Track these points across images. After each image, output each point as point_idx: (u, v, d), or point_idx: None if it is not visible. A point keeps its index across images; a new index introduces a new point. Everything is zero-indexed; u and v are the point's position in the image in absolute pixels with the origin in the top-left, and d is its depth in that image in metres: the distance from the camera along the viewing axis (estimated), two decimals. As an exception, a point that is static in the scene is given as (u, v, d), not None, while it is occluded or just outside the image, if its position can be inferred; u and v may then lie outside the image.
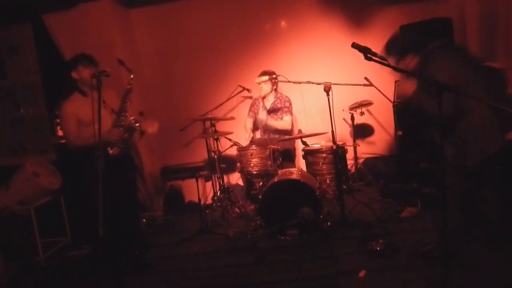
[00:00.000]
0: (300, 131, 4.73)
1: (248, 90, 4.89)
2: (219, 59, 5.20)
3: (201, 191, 4.71)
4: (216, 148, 4.24)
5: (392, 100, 4.37)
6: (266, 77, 4.11)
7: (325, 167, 3.95)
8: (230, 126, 4.89)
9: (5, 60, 4.70)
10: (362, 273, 2.78)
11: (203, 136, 4.76)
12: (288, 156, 4.46)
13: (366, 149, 5.13)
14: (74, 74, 3.13)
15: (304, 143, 4.16)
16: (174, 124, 4.94)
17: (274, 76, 4.20)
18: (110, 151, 3.09)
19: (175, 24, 5.20)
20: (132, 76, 3.23)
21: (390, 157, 4.94)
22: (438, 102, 2.05)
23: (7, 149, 4.82)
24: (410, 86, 2.64)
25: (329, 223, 3.65)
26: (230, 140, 4.36)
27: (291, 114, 4.60)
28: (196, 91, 5.25)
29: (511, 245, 2.79)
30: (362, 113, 4.68)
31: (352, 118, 4.77)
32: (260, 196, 3.69)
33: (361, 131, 5.08)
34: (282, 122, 4.52)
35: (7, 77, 4.71)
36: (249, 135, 4.64)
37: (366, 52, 2.21)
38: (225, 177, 4.84)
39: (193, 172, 4.84)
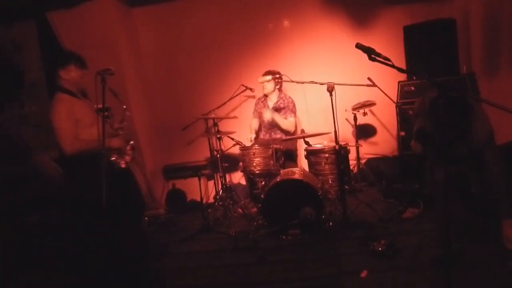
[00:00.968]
0: (302, 131, 4.73)
1: (251, 89, 4.90)
2: (222, 58, 5.20)
3: (203, 190, 4.72)
4: (218, 147, 4.24)
5: (395, 100, 4.37)
6: (269, 77, 4.11)
7: (327, 167, 3.95)
8: (232, 125, 4.90)
9: (10, 57, 4.70)
10: (364, 274, 2.78)
11: (205, 135, 4.77)
12: (290, 156, 4.46)
13: (369, 149, 5.12)
14: (62, 73, 2.98)
15: (306, 143, 4.16)
16: (177, 123, 4.95)
17: (278, 76, 4.20)
18: (123, 165, 3.08)
19: (178, 23, 5.20)
20: (125, 107, 3.23)
21: (392, 158, 4.94)
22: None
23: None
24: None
25: (331, 223, 3.65)
26: (232, 139, 4.36)
27: (295, 115, 4.60)
28: (199, 90, 5.25)
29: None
30: (365, 114, 4.67)
31: (355, 119, 4.77)
32: (262, 196, 3.69)
33: (364, 132, 5.08)
34: (286, 122, 4.52)
35: (11, 75, 4.73)
36: (252, 136, 4.63)
37: (370, 53, 2.21)
38: (227, 176, 4.84)
39: (195, 171, 4.86)
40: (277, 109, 4.59)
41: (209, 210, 4.33)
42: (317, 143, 4.28)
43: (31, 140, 4.77)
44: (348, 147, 4.19)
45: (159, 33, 5.26)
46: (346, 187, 3.96)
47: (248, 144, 4.36)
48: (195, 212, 4.64)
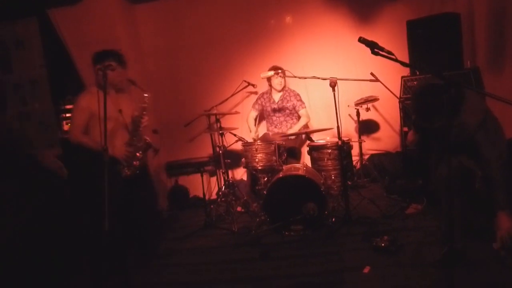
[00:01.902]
0: (306, 126, 4.71)
1: (253, 85, 4.88)
2: (224, 55, 5.19)
3: (206, 186, 4.73)
4: (221, 143, 4.24)
5: (398, 96, 4.34)
6: (271, 72, 4.09)
7: (330, 163, 3.94)
8: (235, 121, 4.89)
9: (12, 54, 4.71)
10: (366, 269, 2.77)
11: (208, 131, 4.77)
12: (293, 152, 4.45)
13: (372, 145, 5.10)
14: (99, 68, 3.03)
15: (309, 139, 4.14)
16: (179, 119, 4.95)
17: (280, 71, 4.18)
18: (128, 172, 3.08)
19: (180, 19, 5.19)
20: (147, 95, 3.16)
21: (395, 154, 4.91)
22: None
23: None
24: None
25: (333, 219, 3.64)
26: (235, 135, 4.35)
27: (305, 107, 4.61)
28: (201, 87, 5.24)
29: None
30: (367, 109, 4.65)
31: (358, 114, 4.75)
32: (264, 192, 3.69)
33: (367, 127, 5.06)
34: (303, 120, 4.55)
35: (14, 72, 4.72)
36: (255, 132, 4.61)
37: (374, 47, 2.18)
38: (230, 172, 4.85)
39: (198, 167, 4.86)
40: (281, 108, 4.59)
41: (212, 206, 4.33)
42: (319, 139, 4.27)
43: (34, 137, 4.78)
44: (350, 143, 4.18)
45: (161, 29, 5.25)
46: (349, 183, 3.95)
47: (250, 140, 4.35)
48: (197, 208, 4.65)
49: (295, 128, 4.53)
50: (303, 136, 4.58)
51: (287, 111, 4.61)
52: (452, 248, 2.39)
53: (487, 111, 2.67)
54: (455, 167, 2.66)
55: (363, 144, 4.85)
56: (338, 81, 3.52)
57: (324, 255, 3.11)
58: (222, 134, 4.25)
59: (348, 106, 4.73)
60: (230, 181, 4.32)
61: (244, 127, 4.85)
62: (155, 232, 3.63)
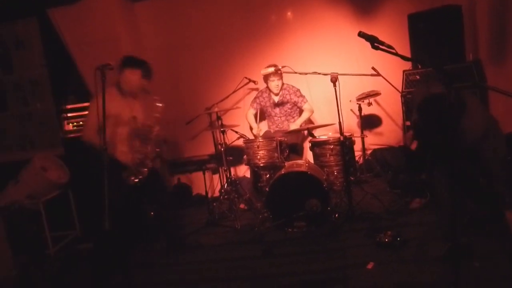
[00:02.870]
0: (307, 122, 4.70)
1: (254, 82, 4.86)
2: (225, 51, 5.17)
3: (209, 183, 4.72)
4: (222, 141, 4.22)
5: (400, 90, 4.32)
6: (272, 69, 4.06)
7: (332, 159, 3.92)
8: (237, 118, 4.87)
9: (12, 55, 4.71)
10: (370, 265, 2.76)
11: (209, 129, 4.76)
12: (295, 149, 4.43)
13: (374, 140, 5.08)
14: (128, 72, 3.14)
15: (311, 134, 4.12)
16: (181, 117, 4.94)
17: (280, 67, 4.15)
18: (135, 180, 3.08)
19: (181, 17, 5.17)
20: (160, 105, 3.20)
21: (398, 148, 4.89)
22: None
23: (15, 144, 4.85)
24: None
25: (337, 215, 3.63)
26: (236, 132, 4.34)
27: (307, 101, 4.58)
28: (202, 84, 5.23)
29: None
30: (369, 104, 4.62)
31: (360, 109, 4.72)
32: (267, 189, 3.68)
33: (369, 122, 5.03)
34: (306, 114, 4.52)
35: (14, 72, 4.73)
36: (257, 128, 4.58)
37: (373, 41, 2.16)
38: (232, 170, 4.83)
39: (200, 165, 4.86)
40: (282, 106, 4.57)
41: (215, 204, 4.33)
42: (321, 135, 4.25)
43: (35, 137, 4.79)
44: (353, 138, 4.17)
45: (161, 28, 5.23)
46: (352, 178, 3.94)
47: (252, 137, 4.34)
48: (200, 206, 4.65)
49: (297, 123, 4.49)
50: (305, 132, 4.56)
51: (287, 108, 4.58)
52: (456, 243, 2.37)
53: (488, 117, 2.68)
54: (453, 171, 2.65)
55: (366, 139, 4.82)
56: (339, 76, 3.49)
57: (328, 252, 3.10)
58: (223, 132, 4.24)
59: (350, 101, 4.70)
60: (233, 179, 4.31)
61: (245, 124, 4.84)
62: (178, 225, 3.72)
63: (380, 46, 2.15)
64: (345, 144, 3.74)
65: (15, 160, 4.39)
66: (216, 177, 5.11)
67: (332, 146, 3.90)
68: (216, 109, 4.31)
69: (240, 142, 4.30)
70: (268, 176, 3.92)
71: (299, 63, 4.49)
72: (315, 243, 3.28)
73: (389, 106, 4.96)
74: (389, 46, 2.16)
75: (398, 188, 4.14)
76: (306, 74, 3.72)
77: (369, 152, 4.99)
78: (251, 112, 4.74)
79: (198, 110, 4.73)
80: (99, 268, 3.13)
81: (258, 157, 3.85)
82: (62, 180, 4.12)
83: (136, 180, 3.09)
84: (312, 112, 4.62)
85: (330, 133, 4.32)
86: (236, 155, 4.79)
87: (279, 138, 3.87)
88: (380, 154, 4.93)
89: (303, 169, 3.65)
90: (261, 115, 4.79)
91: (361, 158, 4.84)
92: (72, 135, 4.42)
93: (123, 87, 3.15)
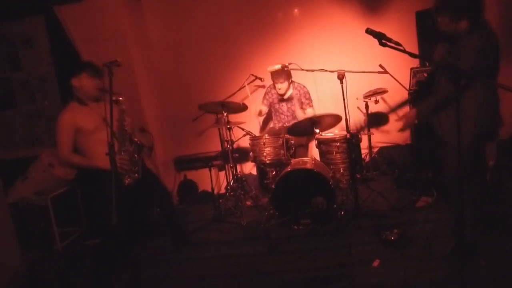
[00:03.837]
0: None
1: (260, 78, 4.85)
2: (231, 48, 5.17)
3: (215, 180, 4.73)
4: (229, 138, 4.23)
5: (407, 88, 4.29)
6: (278, 66, 4.05)
7: (338, 156, 3.91)
8: (243, 115, 4.86)
9: (19, 53, 4.74)
10: (376, 263, 2.76)
11: (216, 125, 4.76)
12: (301, 145, 4.42)
13: (381, 138, 5.05)
14: (74, 81, 3.02)
15: (318, 132, 4.11)
16: (187, 114, 4.95)
17: (287, 64, 4.14)
18: (129, 180, 3.03)
19: (187, 14, 5.17)
20: (121, 98, 3.03)
21: (405, 146, 4.87)
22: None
23: (24, 141, 4.89)
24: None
25: (343, 213, 3.63)
26: (243, 129, 4.34)
27: (312, 106, 4.56)
28: (209, 81, 5.23)
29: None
30: (376, 101, 4.60)
31: (367, 107, 4.69)
32: (273, 186, 3.68)
33: (376, 120, 5.00)
34: (307, 116, 4.50)
35: (22, 70, 4.76)
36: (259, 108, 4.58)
37: (381, 38, 2.15)
38: (238, 167, 4.84)
39: (206, 162, 4.87)
40: (289, 99, 4.56)
41: (221, 200, 4.34)
42: (328, 132, 4.23)
43: (43, 134, 4.83)
44: (359, 136, 4.15)
45: (167, 25, 5.24)
46: (358, 176, 3.93)
47: (257, 127, 4.30)
48: (206, 203, 4.66)
49: (300, 116, 4.46)
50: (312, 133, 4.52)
51: (294, 102, 4.56)
52: (462, 241, 2.35)
53: (470, 130, 2.47)
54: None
55: (372, 137, 4.80)
56: (346, 73, 3.48)
57: (333, 249, 3.10)
58: (230, 129, 4.25)
59: (357, 98, 4.68)
60: (239, 176, 4.32)
61: (252, 121, 4.83)
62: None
63: (388, 43, 2.14)
64: (351, 141, 3.73)
65: (23, 157, 4.43)
66: (222, 174, 5.12)
67: (338, 144, 3.88)
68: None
69: (247, 139, 4.30)
70: (274, 173, 3.92)
71: (306, 60, 4.46)
72: (321, 241, 3.28)
73: (396, 104, 4.93)
74: (397, 43, 2.14)
75: (405, 186, 4.13)
76: (313, 71, 3.71)
77: (375, 150, 4.97)
78: (263, 109, 4.74)
79: (204, 108, 4.73)
80: (106, 264, 3.14)
81: (264, 154, 3.85)
82: (69, 177, 4.15)
83: (130, 180, 3.03)
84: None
85: (336, 131, 4.30)
86: (242, 152, 4.80)
87: (286, 136, 3.87)
88: (387, 152, 4.91)
89: (309, 166, 3.64)
90: (268, 112, 4.79)
91: (368, 156, 4.82)
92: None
93: (80, 97, 3.05)
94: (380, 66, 4.10)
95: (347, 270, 2.76)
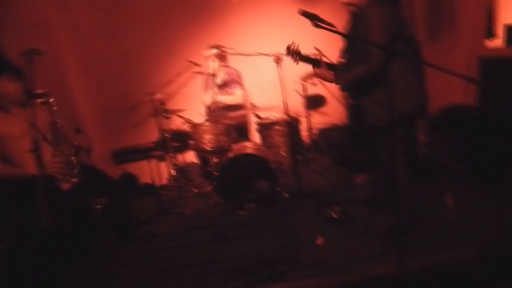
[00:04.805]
0: (252, 104, 4.66)
1: (197, 64, 4.73)
2: (166, 34, 4.98)
3: (156, 172, 4.59)
4: (167, 127, 4.10)
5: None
6: (214, 50, 3.98)
7: (279, 140, 3.95)
8: (181, 103, 4.74)
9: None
10: (320, 241, 2.83)
11: (152, 115, 4.59)
12: (242, 131, 4.41)
13: (320, 119, 5.17)
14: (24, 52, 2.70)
15: (257, 116, 4.11)
16: (123, 104, 4.72)
17: (222, 49, 4.07)
18: (65, 186, 2.85)
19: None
20: (52, 100, 2.81)
21: (343, 127, 5.02)
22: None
23: None
24: None
25: (286, 195, 3.68)
26: (181, 117, 4.23)
27: (243, 88, 4.52)
28: (144, 69, 5.02)
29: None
30: (314, 84, 4.68)
31: (304, 89, 4.77)
32: (216, 173, 3.64)
33: (314, 102, 5.10)
34: (233, 97, 4.43)
35: None
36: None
37: (314, 19, 2.16)
38: (180, 156, 4.73)
39: (145, 153, 4.70)
40: (226, 85, 4.49)
41: (163, 192, 4.22)
42: (267, 116, 4.25)
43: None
44: (299, 118, 4.21)
45: (97, 9, 4.92)
46: (299, 157, 3.99)
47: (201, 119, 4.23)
48: (149, 196, 4.51)
49: (221, 99, 4.38)
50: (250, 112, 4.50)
51: (231, 86, 4.51)
52: (397, 223, 2.42)
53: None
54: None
55: (311, 119, 4.89)
56: (284, 56, 3.49)
57: (279, 230, 3.15)
58: (167, 117, 4.11)
59: (295, 81, 4.73)
60: (180, 165, 4.22)
61: (191, 108, 4.72)
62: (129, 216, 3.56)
63: (321, 24, 2.16)
64: (291, 124, 3.78)
65: None
66: (163, 164, 4.97)
67: (278, 127, 3.91)
68: (158, 95, 4.15)
69: (186, 127, 4.20)
70: (216, 160, 3.87)
71: (243, 44, 4.43)
72: (266, 224, 3.32)
73: (333, 86, 5.02)
74: (330, 24, 2.17)
75: (344, 165, 4.27)
76: (249, 55, 3.68)
77: (315, 131, 5.08)
78: (206, 97, 4.64)
79: (141, 96, 4.54)
80: (48, 266, 2.95)
81: (205, 141, 3.79)
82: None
83: (68, 185, 2.87)
84: (240, 101, 4.45)
85: (275, 114, 4.32)
86: (183, 140, 4.68)
87: (226, 121, 3.82)
88: (326, 133, 5.04)
89: (250, 151, 3.64)
90: None
91: (308, 138, 4.92)
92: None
93: (2, 103, 2.84)
94: (315, 48, 4.15)
95: (293, 250, 2.82)
